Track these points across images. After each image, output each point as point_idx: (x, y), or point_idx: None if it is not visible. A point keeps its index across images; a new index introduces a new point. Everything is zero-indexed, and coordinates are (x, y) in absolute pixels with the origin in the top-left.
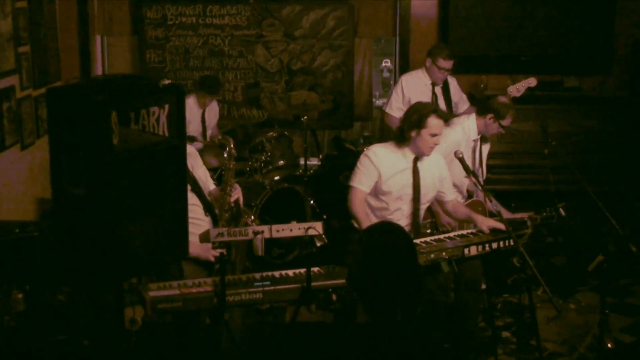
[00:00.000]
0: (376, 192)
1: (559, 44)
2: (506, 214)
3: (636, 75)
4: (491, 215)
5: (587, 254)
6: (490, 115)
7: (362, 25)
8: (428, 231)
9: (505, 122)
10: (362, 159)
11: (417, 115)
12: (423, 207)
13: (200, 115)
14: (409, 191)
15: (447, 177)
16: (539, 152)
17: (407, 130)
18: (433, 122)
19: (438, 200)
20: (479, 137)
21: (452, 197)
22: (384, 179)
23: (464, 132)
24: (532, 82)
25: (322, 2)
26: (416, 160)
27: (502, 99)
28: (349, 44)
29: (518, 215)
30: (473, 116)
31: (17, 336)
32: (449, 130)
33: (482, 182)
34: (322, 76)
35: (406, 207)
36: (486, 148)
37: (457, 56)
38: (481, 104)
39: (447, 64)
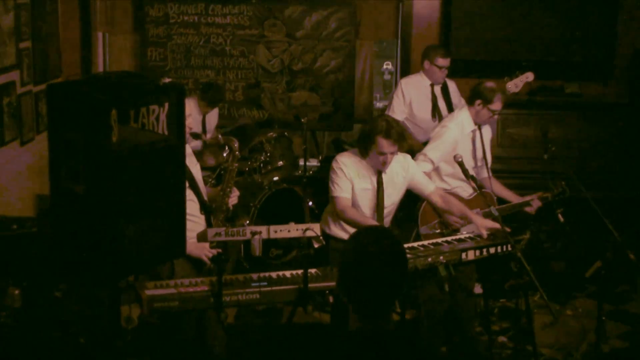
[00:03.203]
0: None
1: (561, 50)
2: (516, 199)
3: (637, 83)
4: (500, 201)
5: (585, 260)
6: (478, 102)
7: (363, 27)
8: (437, 231)
9: (494, 106)
10: (334, 169)
11: (368, 131)
12: (387, 219)
13: (200, 117)
14: (373, 203)
15: (416, 173)
16: (539, 157)
17: (361, 143)
18: (381, 142)
19: (425, 197)
20: (476, 127)
21: (432, 187)
22: (355, 190)
23: (459, 127)
24: (529, 76)
25: (324, 3)
26: (380, 173)
27: (488, 84)
28: (350, 46)
29: (527, 198)
30: (464, 108)
31: (13, 333)
32: (444, 130)
33: (474, 179)
34: (323, 77)
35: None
36: (488, 133)
37: (459, 60)
38: (470, 93)
39: (446, 61)
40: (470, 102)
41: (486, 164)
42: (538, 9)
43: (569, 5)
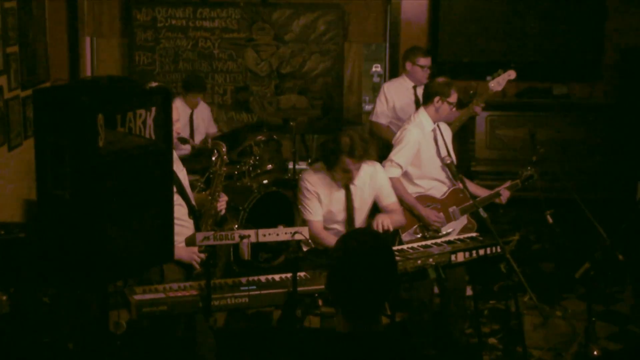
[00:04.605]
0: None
1: (549, 51)
2: (485, 193)
3: (625, 83)
4: (473, 198)
5: (574, 261)
6: (436, 99)
7: (352, 30)
8: (419, 235)
9: (452, 99)
10: (302, 190)
11: (332, 150)
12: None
13: (188, 116)
14: (343, 215)
15: (384, 184)
16: (527, 159)
17: (326, 159)
18: (346, 160)
19: (381, 207)
20: (435, 125)
21: (389, 201)
22: (323, 204)
23: (419, 127)
24: (511, 74)
25: (312, 6)
26: (348, 187)
27: (440, 79)
28: (339, 49)
29: (497, 189)
30: (421, 109)
31: (1, 338)
32: (405, 132)
33: (462, 180)
34: (312, 80)
35: (341, 229)
36: (447, 132)
37: (447, 62)
38: (423, 94)
39: (427, 60)
40: (426, 101)
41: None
42: (525, 10)
43: (557, 6)
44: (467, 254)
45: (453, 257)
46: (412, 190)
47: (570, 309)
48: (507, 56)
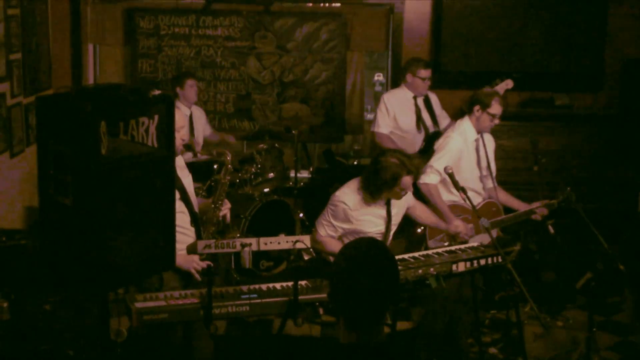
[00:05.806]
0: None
1: (551, 62)
2: (522, 207)
3: (626, 93)
4: (507, 210)
5: (576, 271)
6: (476, 108)
7: (354, 39)
8: (446, 243)
9: (493, 110)
10: (336, 205)
11: (390, 177)
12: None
13: (187, 117)
14: (381, 228)
15: (411, 200)
16: (529, 169)
17: (376, 187)
18: (407, 180)
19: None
20: (479, 135)
21: (413, 201)
22: (353, 220)
23: (462, 136)
24: (509, 83)
25: (315, 15)
26: (389, 204)
27: (485, 89)
28: (341, 57)
29: (533, 205)
30: (466, 118)
31: (2, 345)
32: (447, 140)
33: (464, 191)
34: (314, 89)
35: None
36: (490, 143)
37: (449, 71)
38: (468, 102)
39: (428, 72)
40: (469, 110)
41: (491, 174)
42: (528, 21)
43: (559, 17)
44: (468, 263)
45: (454, 266)
46: (446, 198)
47: (571, 319)
48: (509, 66)
